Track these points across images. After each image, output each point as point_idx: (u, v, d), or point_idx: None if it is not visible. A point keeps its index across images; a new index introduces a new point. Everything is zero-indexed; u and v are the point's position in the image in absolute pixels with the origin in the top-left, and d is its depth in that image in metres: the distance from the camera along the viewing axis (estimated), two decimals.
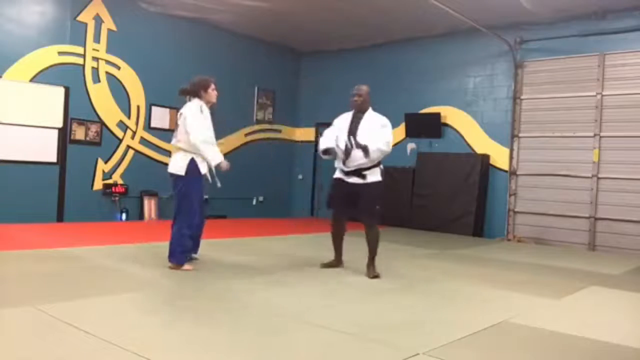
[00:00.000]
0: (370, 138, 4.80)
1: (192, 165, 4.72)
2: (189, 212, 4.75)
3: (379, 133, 4.85)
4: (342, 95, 11.48)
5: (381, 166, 4.96)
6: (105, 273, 4.58)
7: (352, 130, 4.90)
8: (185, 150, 4.73)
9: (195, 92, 4.90)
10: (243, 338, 3.03)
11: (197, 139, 4.65)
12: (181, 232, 4.73)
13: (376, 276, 4.88)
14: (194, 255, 5.09)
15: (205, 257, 5.34)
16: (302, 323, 3.35)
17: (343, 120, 5.08)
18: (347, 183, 4.93)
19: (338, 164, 5.03)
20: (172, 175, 4.81)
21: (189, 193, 4.75)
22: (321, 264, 5.28)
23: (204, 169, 4.79)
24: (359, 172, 4.86)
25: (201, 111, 4.76)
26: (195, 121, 4.69)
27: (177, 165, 4.75)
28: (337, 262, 5.30)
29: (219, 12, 9.20)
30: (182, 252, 4.75)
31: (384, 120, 4.96)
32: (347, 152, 4.86)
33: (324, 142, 5.03)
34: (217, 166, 4.77)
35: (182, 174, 4.72)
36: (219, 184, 4.88)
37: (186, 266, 4.76)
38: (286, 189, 11.76)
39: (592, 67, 8.21)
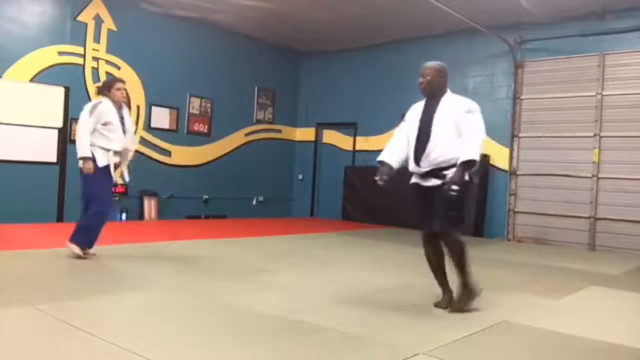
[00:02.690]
0: (448, 136, 3.73)
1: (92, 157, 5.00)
2: (99, 202, 5.05)
3: (466, 122, 3.70)
4: (342, 95, 11.62)
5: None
6: (105, 273, 4.58)
7: (424, 126, 3.84)
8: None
9: (102, 91, 5.22)
10: (243, 338, 3.03)
11: (76, 134, 5.08)
12: (94, 218, 5.01)
13: (462, 310, 3.74)
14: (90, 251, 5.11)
15: (205, 256, 5.33)
16: (302, 323, 3.35)
17: (414, 113, 4.01)
18: (425, 187, 3.87)
19: (411, 164, 3.96)
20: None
21: (89, 184, 5.04)
22: (434, 304, 3.95)
23: (102, 162, 5.03)
24: (437, 171, 3.78)
25: (91, 111, 5.02)
26: (80, 119, 5.10)
27: None
28: (447, 300, 3.91)
29: (219, 12, 9.21)
30: (84, 236, 4.97)
31: (469, 103, 3.80)
32: (421, 148, 3.82)
33: (384, 153, 4.04)
34: (81, 162, 5.00)
35: (80, 167, 5.06)
36: (126, 178, 5.27)
37: (78, 250, 4.92)
38: (286, 189, 11.76)
39: (592, 67, 8.21)
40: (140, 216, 9.06)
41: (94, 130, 4.99)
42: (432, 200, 3.80)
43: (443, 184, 3.69)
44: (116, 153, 5.13)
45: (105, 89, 5.16)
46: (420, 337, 3.18)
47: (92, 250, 5.06)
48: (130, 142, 5.28)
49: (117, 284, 4.19)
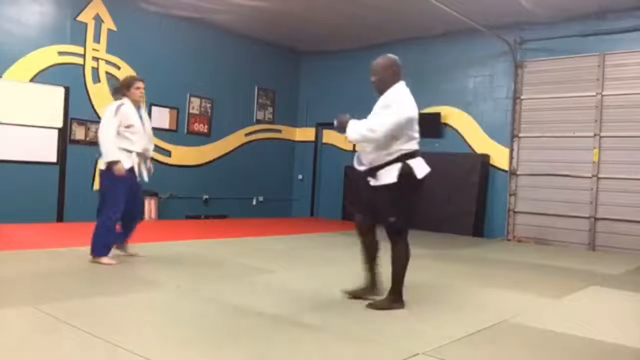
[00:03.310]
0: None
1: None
2: (112, 206, 4.87)
3: (375, 115, 3.81)
4: (342, 95, 11.61)
5: (405, 163, 3.71)
6: (105, 273, 4.57)
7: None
8: None
9: (121, 91, 5.09)
10: (243, 338, 3.03)
11: (100, 137, 4.90)
12: (104, 225, 4.85)
13: (381, 307, 3.71)
14: (120, 252, 5.16)
15: (205, 257, 5.33)
16: (302, 323, 3.35)
17: None
18: (368, 184, 3.86)
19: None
20: (99, 170, 5.07)
21: (111, 187, 4.89)
22: (347, 292, 3.99)
23: (126, 164, 4.90)
24: (373, 170, 3.78)
25: (115, 112, 4.89)
26: (104, 120, 4.91)
27: (102, 161, 4.97)
28: (364, 290, 3.96)
29: (219, 12, 9.20)
30: (103, 246, 4.86)
31: (391, 99, 3.79)
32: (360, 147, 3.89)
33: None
34: (112, 165, 4.85)
35: (103, 169, 4.94)
36: (145, 179, 5.15)
37: (106, 260, 4.85)
38: (286, 189, 11.76)
39: (592, 67, 8.21)
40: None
41: (117, 132, 4.89)
42: (374, 197, 3.80)
43: (379, 188, 3.73)
44: (138, 154, 5.05)
45: (124, 88, 5.04)
46: (420, 337, 3.18)
47: (124, 249, 5.19)
48: (149, 142, 5.20)
49: (117, 284, 4.18)
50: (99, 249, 4.85)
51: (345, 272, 5.16)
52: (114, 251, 5.04)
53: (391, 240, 3.75)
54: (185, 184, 9.68)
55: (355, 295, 3.93)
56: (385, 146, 3.68)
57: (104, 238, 4.85)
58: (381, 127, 3.63)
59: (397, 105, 3.70)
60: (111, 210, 4.84)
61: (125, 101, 4.98)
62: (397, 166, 3.67)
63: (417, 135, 3.80)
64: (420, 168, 3.75)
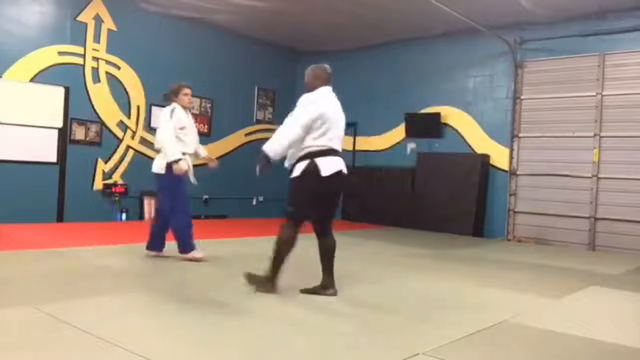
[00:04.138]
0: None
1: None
2: (181, 203, 5.16)
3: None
4: (342, 95, 11.56)
5: (313, 161, 3.96)
6: (105, 273, 4.58)
7: None
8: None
9: (170, 97, 5.36)
10: (242, 338, 3.03)
11: (161, 139, 5.12)
12: (184, 222, 5.16)
13: (258, 289, 4.01)
14: (152, 253, 5.36)
15: (205, 257, 5.33)
16: (302, 323, 3.35)
17: None
18: None
19: None
20: (155, 174, 5.23)
21: (174, 186, 5.11)
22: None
23: (184, 166, 5.14)
24: (293, 166, 4.14)
25: (170, 115, 5.15)
26: (162, 124, 5.16)
27: (158, 165, 5.20)
28: (321, 286, 4.20)
29: (219, 12, 9.20)
30: (191, 241, 5.20)
31: (302, 100, 4.13)
32: None
33: None
34: (173, 164, 5.05)
35: (162, 173, 5.15)
36: (193, 180, 5.36)
37: (197, 254, 5.19)
38: (286, 189, 11.71)
39: (592, 67, 8.21)
40: (140, 216, 9.06)
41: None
42: None
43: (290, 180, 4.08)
44: (190, 156, 5.35)
45: (173, 95, 5.30)
46: (420, 337, 3.18)
47: (163, 252, 5.36)
48: (198, 145, 5.51)
49: (118, 284, 4.19)
50: (189, 245, 5.18)
51: (344, 271, 5.16)
52: (148, 253, 5.33)
53: (281, 224, 4.11)
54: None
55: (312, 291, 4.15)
56: (299, 144, 4.00)
57: (188, 234, 5.19)
58: (295, 126, 3.98)
59: (305, 105, 4.05)
60: (183, 207, 5.15)
61: (176, 105, 5.25)
62: (305, 163, 3.98)
63: (332, 134, 4.03)
64: (328, 166, 3.96)
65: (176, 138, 5.11)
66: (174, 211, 5.12)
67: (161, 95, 9.21)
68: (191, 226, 5.24)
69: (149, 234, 5.34)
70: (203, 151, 5.64)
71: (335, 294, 4.07)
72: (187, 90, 5.32)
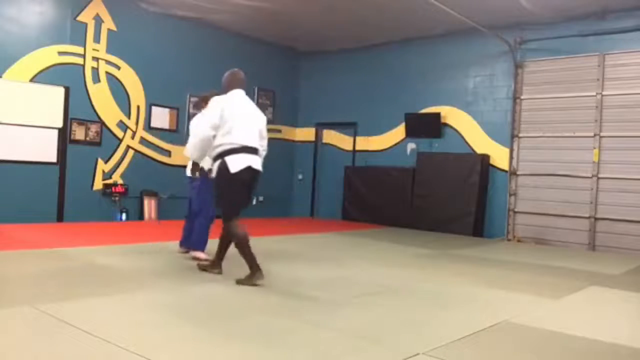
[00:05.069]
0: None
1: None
2: (210, 207, 5.39)
3: None
4: (342, 95, 11.62)
5: (223, 160, 4.34)
6: (105, 273, 4.58)
7: None
8: None
9: (200, 105, 5.58)
10: (241, 337, 3.03)
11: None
12: (207, 224, 5.39)
13: (244, 284, 4.30)
14: (182, 251, 5.62)
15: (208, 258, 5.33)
16: (302, 322, 3.35)
17: None
18: None
19: None
20: (189, 178, 5.49)
21: (207, 190, 5.28)
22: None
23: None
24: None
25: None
26: (193, 130, 5.20)
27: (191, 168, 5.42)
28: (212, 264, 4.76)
29: (219, 12, 9.20)
30: (204, 243, 5.39)
31: (209, 103, 4.64)
32: None
33: None
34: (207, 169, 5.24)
35: (196, 176, 5.39)
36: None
37: (203, 255, 5.28)
38: (286, 189, 11.76)
39: (592, 67, 8.21)
40: (140, 216, 9.06)
41: None
42: None
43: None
44: None
45: (203, 103, 5.45)
46: (420, 337, 3.18)
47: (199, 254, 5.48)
48: None
49: (118, 284, 4.18)
50: (202, 245, 5.36)
51: (344, 272, 5.16)
52: (178, 249, 5.65)
53: (223, 225, 4.52)
54: (185, 184, 9.65)
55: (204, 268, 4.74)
56: (211, 144, 4.40)
57: (205, 235, 5.38)
58: (196, 132, 4.48)
59: (208, 110, 4.51)
60: (210, 211, 5.36)
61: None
62: (217, 163, 4.39)
63: (241, 132, 4.38)
64: (236, 163, 4.31)
65: None
66: (201, 211, 5.37)
67: (161, 95, 9.31)
68: (209, 230, 5.43)
69: (182, 232, 5.64)
70: None
71: (219, 272, 4.63)
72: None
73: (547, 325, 3.55)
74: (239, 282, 4.33)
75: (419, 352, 2.86)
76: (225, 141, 4.34)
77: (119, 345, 2.71)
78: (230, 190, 4.37)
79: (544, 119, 8.66)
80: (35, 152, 7.88)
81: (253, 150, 4.44)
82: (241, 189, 4.41)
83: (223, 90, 4.69)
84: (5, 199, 7.47)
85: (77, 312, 3.27)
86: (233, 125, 4.34)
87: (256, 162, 4.45)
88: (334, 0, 8.35)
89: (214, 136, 4.35)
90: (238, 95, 4.60)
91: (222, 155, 4.35)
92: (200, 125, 4.46)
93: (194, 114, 5.71)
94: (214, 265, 4.71)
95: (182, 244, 5.66)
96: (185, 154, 4.81)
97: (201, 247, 5.36)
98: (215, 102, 4.49)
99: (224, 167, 4.32)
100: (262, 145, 4.62)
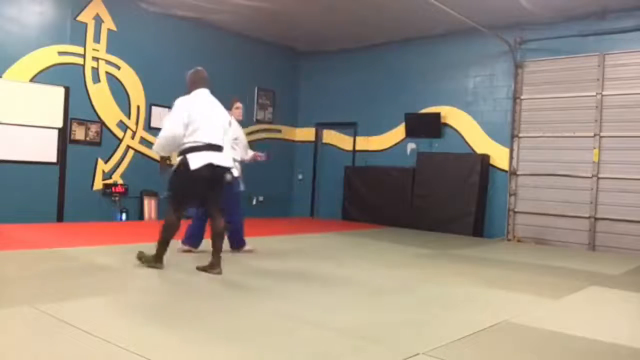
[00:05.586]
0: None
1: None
2: (239, 207, 5.83)
3: None
4: (342, 95, 11.62)
5: (185, 157, 4.58)
6: (105, 273, 4.57)
7: None
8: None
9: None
10: (241, 338, 3.03)
11: None
12: (240, 223, 5.81)
13: (149, 265, 4.70)
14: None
15: (205, 257, 5.32)
16: (302, 322, 3.35)
17: None
18: None
19: None
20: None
21: (236, 193, 5.67)
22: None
23: (235, 173, 5.48)
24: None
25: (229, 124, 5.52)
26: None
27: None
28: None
29: (219, 12, 9.20)
30: (242, 238, 5.87)
31: (175, 103, 4.73)
32: None
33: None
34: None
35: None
36: (243, 187, 5.91)
37: (248, 247, 5.89)
38: (286, 189, 11.75)
39: (592, 67, 8.21)
40: (141, 216, 9.06)
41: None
42: None
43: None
44: (239, 163, 5.88)
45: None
46: (420, 337, 3.18)
47: (246, 247, 5.96)
48: (245, 154, 6.11)
49: (118, 284, 4.19)
50: (242, 241, 5.85)
51: (344, 272, 5.15)
52: (179, 247, 5.74)
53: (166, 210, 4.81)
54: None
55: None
56: (180, 142, 4.61)
57: (241, 232, 5.83)
58: (165, 129, 4.66)
59: (175, 107, 4.65)
60: (240, 211, 5.81)
61: (231, 119, 5.51)
62: (180, 158, 4.62)
63: (205, 131, 4.59)
64: (197, 160, 4.52)
65: (230, 147, 5.26)
66: (230, 212, 5.47)
67: (161, 95, 9.29)
68: (243, 227, 5.90)
69: (185, 231, 5.71)
70: (249, 154, 6.20)
71: (220, 273, 4.62)
72: (239, 104, 5.94)
73: (547, 325, 3.55)
74: (147, 262, 4.66)
75: (419, 352, 2.86)
76: (190, 139, 4.55)
77: (119, 345, 2.71)
78: (183, 185, 4.62)
79: (544, 119, 8.66)
80: (35, 152, 7.88)
81: (216, 148, 4.64)
82: (200, 184, 4.60)
83: (188, 89, 4.82)
84: (5, 199, 7.47)
85: (77, 312, 3.27)
86: (199, 126, 4.55)
87: (218, 159, 4.62)
88: (334, 0, 8.36)
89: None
90: (202, 94, 4.78)
91: (184, 152, 4.58)
92: (171, 123, 4.60)
93: None
94: (214, 266, 4.73)
95: (183, 242, 5.71)
96: (154, 149, 4.91)
97: (244, 242, 5.86)
98: (180, 101, 4.65)
99: (183, 164, 4.55)
100: (227, 141, 4.88)
